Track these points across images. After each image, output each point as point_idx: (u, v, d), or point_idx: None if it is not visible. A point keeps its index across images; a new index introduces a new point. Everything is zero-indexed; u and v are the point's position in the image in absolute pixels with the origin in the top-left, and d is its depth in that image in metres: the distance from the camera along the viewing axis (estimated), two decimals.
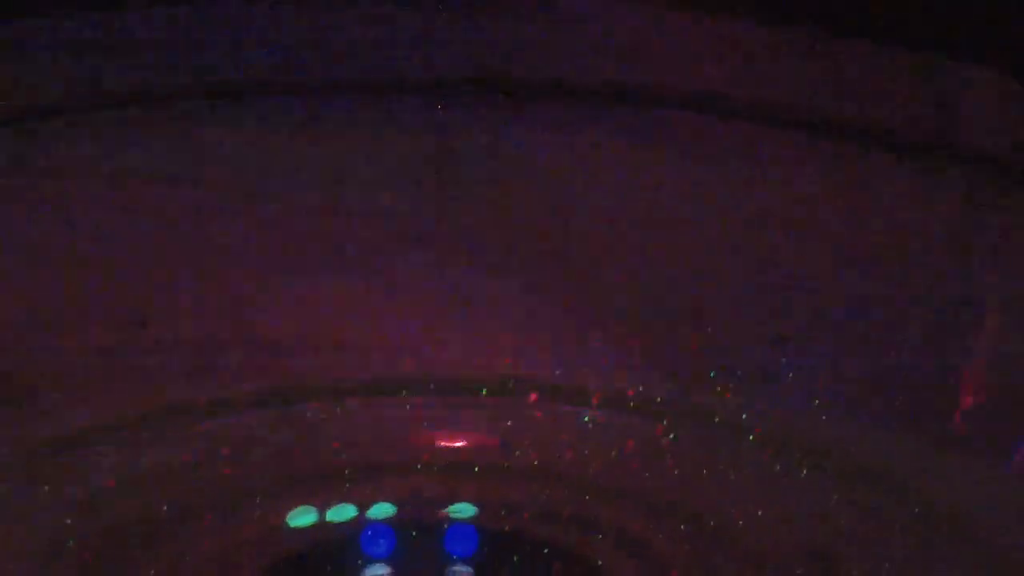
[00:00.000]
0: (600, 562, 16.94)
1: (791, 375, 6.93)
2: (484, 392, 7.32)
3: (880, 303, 6.12)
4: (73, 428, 7.81)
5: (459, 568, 15.12)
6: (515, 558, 16.77)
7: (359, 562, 15.17)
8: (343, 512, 12.75)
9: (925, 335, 6.23)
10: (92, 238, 5.61)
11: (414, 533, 15.35)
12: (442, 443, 9.62)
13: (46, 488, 8.54)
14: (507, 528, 15.27)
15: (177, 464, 9.27)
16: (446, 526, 14.73)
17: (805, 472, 8.42)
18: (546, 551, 16.28)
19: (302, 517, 12.71)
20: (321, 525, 12.94)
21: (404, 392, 7.24)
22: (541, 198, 5.60)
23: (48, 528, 9.30)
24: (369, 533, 14.49)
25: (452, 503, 13.45)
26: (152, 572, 12.20)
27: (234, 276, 6.10)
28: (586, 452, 9.68)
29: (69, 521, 9.46)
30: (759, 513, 10.19)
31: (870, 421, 7.27)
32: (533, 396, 7.47)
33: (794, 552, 10.59)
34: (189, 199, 5.51)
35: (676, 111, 5.01)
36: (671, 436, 8.24)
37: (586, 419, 7.87)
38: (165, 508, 10.41)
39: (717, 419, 7.79)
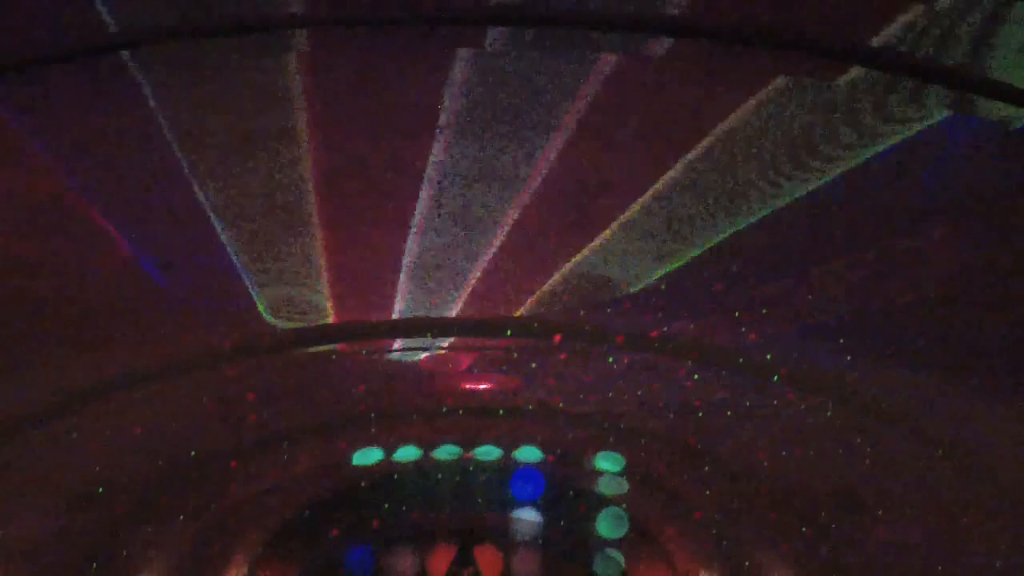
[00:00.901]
0: (624, 505, 17.07)
1: (816, 314, 6.89)
2: (509, 333, 7.29)
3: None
4: (100, 376, 7.83)
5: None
6: (538, 500, 16.95)
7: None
8: (369, 456, 12.99)
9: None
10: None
11: (440, 475, 15.54)
12: (467, 385, 9.63)
13: (74, 436, 8.59)
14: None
15: (203, 409, 9.32)
16: (471, 468, 14.99)
17: (830, 412, 8.41)
18: (571, 493, 16.42)
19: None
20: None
21: (429, 334, 7.21)
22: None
23: (77, 475, 9.38)
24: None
25: (477, 446, 13.56)
26: (181, 517, 12.35)
27: (258, 222, 6.07)
28: (610, 393, 9.70)
29: (97, 468, 9.54)
30: (783, 453, 10.20)
31: (896, 362, 7.24)
32: (557, 337, 7.43)
33: (818, 493, 10.61)
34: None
35: None
36: (695, 376, 8.24)
37: (610, 360, 7.86)
38: (192, 454, 10.50)
39: (741, 360, 7.76)
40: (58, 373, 7.50)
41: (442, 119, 4.97)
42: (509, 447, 13.41)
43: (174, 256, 6.21)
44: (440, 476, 15.14)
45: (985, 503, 7.93)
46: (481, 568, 17.78)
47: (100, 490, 9.82)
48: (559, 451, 13.36)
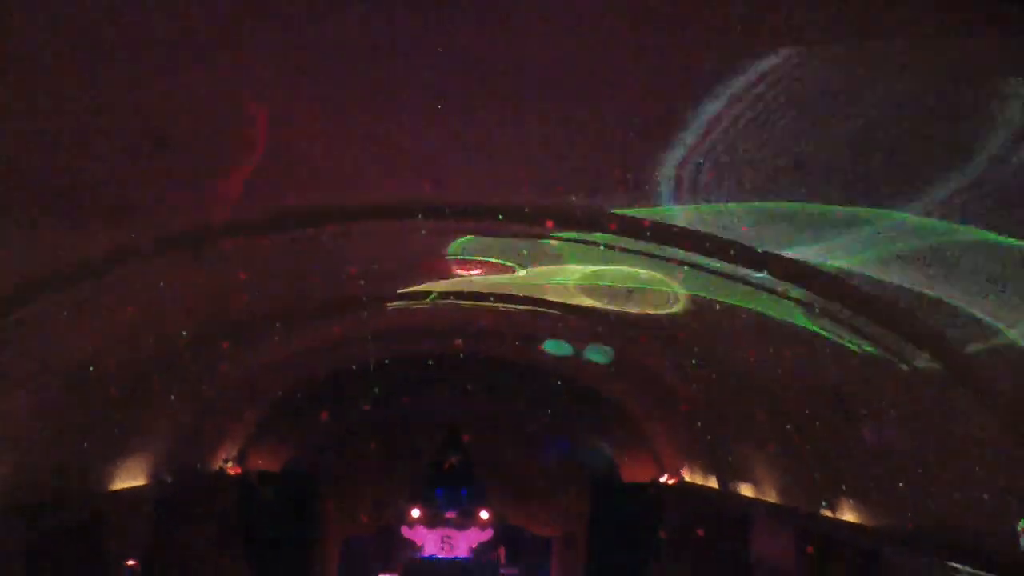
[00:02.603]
0: (618, 398, 17.22)
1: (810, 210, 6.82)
2: (500, 218, 7.23)
3: None
4: (89, 254, 7.77)
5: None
6: (530, 390, 17.10)
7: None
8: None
9: None
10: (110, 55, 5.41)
11: (430, 361, 15.62)
12: (459, 270, 9.59)
13: (64, 314, 8.56)
14: (524, 361, 15.54)
15: (194, 290, 9.29)
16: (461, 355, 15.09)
17: (818, 310, 8.38)
18: (559, 383, 16.55)
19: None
20: None
21: (420, 216, 7.14)
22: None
23: (69, 355, 9.40)
24: None
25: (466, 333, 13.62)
26: (172, 398, 12.44)
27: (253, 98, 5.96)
28: (600, 285, 9.68)
29: (90, 348, 9.54)
30: (770, 350, 10.22)
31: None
32: (549, 223, 7.37)
33: (806, 392, 10.67)
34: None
35: None
36: (685, 268, 8.19)
37: (601, 248, 7.81)
38: (184, 334, 10.49)
39: (733, 252, 7.70)
40: (45, 250, 7.44)
41: None
42: None
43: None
44: (431, 363, 15.23)
45: (973, 409, 7.94)
46: (469, 456, 18.07)
47: (91, 369, 9.84)
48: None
